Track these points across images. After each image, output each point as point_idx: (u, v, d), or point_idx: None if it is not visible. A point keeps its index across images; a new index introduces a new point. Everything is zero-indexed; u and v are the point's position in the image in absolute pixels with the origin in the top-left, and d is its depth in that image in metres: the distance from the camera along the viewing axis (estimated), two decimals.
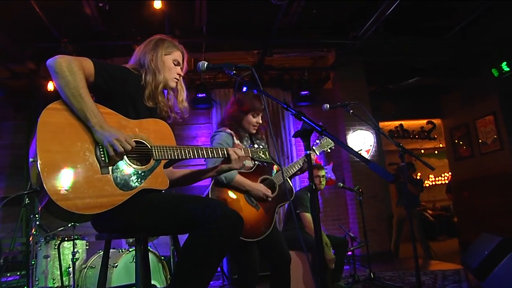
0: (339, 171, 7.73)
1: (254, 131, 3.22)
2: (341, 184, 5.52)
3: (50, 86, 6.66)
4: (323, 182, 5.05)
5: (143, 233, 1.99)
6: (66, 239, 4.75)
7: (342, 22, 6.73)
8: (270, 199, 3.05)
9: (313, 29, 6.89)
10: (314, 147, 3.47)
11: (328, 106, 3.74)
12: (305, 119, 1.94)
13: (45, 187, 1.63)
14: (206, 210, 1.82)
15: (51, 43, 6.08)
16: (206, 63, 2.37)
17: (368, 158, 7.40)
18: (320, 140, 3.50)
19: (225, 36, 6.65)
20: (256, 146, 2.62)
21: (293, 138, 7.58)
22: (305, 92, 7.58)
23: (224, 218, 1.82)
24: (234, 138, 3.11)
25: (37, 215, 4.53)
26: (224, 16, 6.23)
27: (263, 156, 2.57)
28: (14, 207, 5.38)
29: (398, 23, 6.46)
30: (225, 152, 2.29)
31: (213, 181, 2.98)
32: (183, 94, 2.37)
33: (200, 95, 7.28)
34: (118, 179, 1.86)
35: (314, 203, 1.90)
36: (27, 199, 4.62)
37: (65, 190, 1.67)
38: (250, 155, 2.46)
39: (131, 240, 4.74)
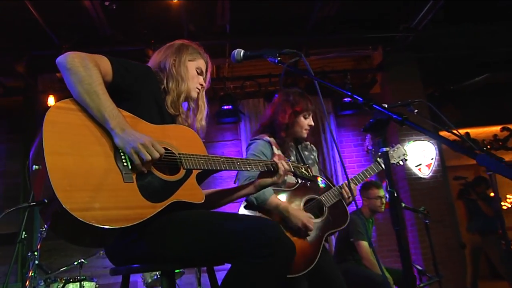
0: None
1: (306, 135, 3.18)
2: (403, 205, 5.28)
3: (51, 101, 6.52)
4: (384, 204, 4.93)
5: (173, 262, 1.91)
6: (71, 280, 4.62)
7: (389, 13, 6.61)
8: (309, 233, 2.90)
9: (355, 23, 6.81)
10: (379, 159, 3.27)
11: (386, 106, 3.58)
12: (377, 107, 1.85)
13: (56, 195, 1.57)
14: (255, 232, 1.75)
15: (50, 50, 6.08)
16: (242, 51, 2.35)
17: (430, 175, 7.25)
18: (391, 149, 3.35)
19: (252, 36, 6.58)
20: (293, 158, 2.60)
21: (336, 154, 7.44)
22: (349, 99, 7.44)
23: (279, 242, 1.74)
24: (274, 147, 3.05)
25: (36, 253, 4.46)
26: (251, 12, 6.20)
27: (305, 172, 2.50)
28: (7, 245, 5.31)
29: (461, 8, 6.30)
30: (270, 165, 2.26)
31: (243, 203, 2.92)
32: (203, 112, 2.39)
33: (225, 107, 7.23)
34: (145, 188, 1.80)
35: (398, 215, 1.75)
36: (24, 233, 4.53)
37: (82, 198, 1.62)
38: (293, 170, 2.40)
39: (149, 279, 4.64)
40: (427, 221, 5.19)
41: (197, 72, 2.34)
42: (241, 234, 1.75)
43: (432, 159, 7.42)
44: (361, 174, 3.21)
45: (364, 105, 1.88)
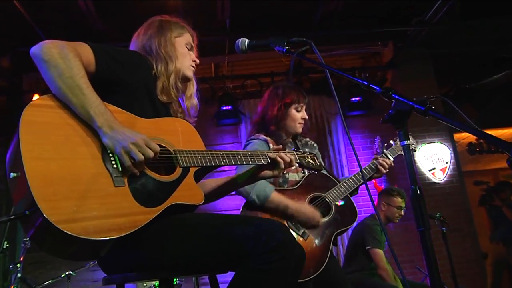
0: (407, 198, 7.39)
1: (301, 130, 3.20)
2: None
3: None
4: (401, 216, 4.93)
5: (173, 270, 1.88)
6: None
7: (400, 6, 6.55)
8: (316, 233, 2.91)
9: (363, 18, 6.78)
10: (386, 151, 3.36)
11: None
12: (397, 96, 1.82)
13: (39, 206, 1.50)
14: (262, 235, 1.70)
15: None
16: (247, 40, 2.37)
17: (445, 180, 7.16)
18: (396, 141, 3.38)
19: (253, 32, 6.52)
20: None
21: (344, 157, 7.42)
22: (357, 99, 7.51)
23: (287, 245, 1.71)
24: (270, 144, 3.07)
25: (18, 265, 4.37)
26: (252, 7, 6.16)
27: (312, 162, 2.48)
28: None
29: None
30: (267, 158, 2.22)
31: (244, 204, 2.94)
32: (192, 88, 2.35)
33: (225, 108, 7.21)
34: (138, 192, 1.75)
35: (422, 214, 1.74)
36: (5, 243, 4.46)
37: (68, 208, 1.55)
38: (298, 160, 2.38)
39: None
40: (444, 229, 5.11)
41: (187, 48, 2.28)
42: (247, 238, 1.71)
43: (447, 163, 7.36)
44: (367, 167, 3.25)
45: (382, 94, 1.84)
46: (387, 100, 1.82)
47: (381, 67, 7.88)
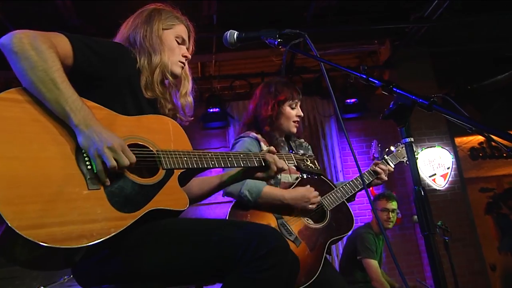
0: (406, 205, 7.52)
1: (295, 129, 3.19)
2: (416, 218, 5.20)
3: None
4: (393, 219, 4.89)
5: (155, 281, 1.81)
6: None
7: (398, 1, 6.56)
8: (318, 198, 2.94)
9: (358, 14, 6.78)
10: (386, 157, 3.35)
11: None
12: (398, 90, 1.76)
13: (0, 210, 1.45)
14: (252, 240, 1.67)
15: None
16: (236, 32, 2.34)
17: (446, 186, 7.15)
18: (397, 147, 3.37)
19: (242, 28, 6.48)
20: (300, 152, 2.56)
21: (338, 162, 7.42)
22: (352, 100, 7.55)
23: (280, 252, 1.69)
24: (262, 144, 3.07)
25: None
26: (241, 1, 6.13)
27: (311, 165, 2.47)
28: None
29: None
30: (261, 159, 2.19)
31: (233, 204, 2.91)
32: (187, 85, 2.32)
33: (212, 110, 7.23)
34: (115, 196, 1.70)
35: (426, 217, 1.68)
36: None
37: (34, 213, 1.50)
38: (296, 164, 2.37)
39: None
40: (446, 238, 5.11)
41: (177, 42, 2.24)
42: (236, 244, 1.68)
43: (448, 168, 7.39)
44: (366, 173, 3.24)
45: (382, 88, 1.80)
46: (387, 94, 1.78)
47: (377, 66, 7.90)
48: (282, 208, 2.89)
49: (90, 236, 1.56)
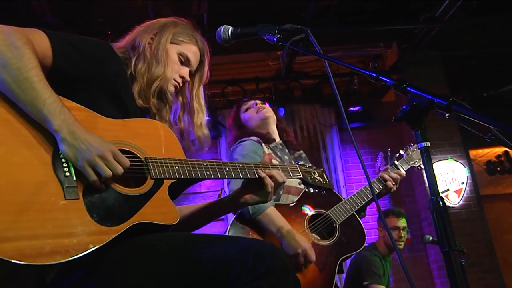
0: (416, 224, 7.55)
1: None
2: (430, 238, 5.15)
3: None
4: (404, 238, 4.94)
5: None
6: None
7: (406, 1, 6.62)
8: (311, 262, 2.85)
9: (363, 14, 6.84)
10: (397, 162, 3.36)
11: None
12: (413, 89, 1.76)
13: None
14: (249, 258, 1.66)
15: None
16: (231, 28, 2.34)
17: (461, 203, 7.15)
18: (407, 150, 3.39)
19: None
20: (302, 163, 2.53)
21: (341, 177, 7.44)
22: (356, 108, 7.58)
23: (279, 271, 1.67)
24: (264, 147, 3.13)
25: None
26: (233, 1, 6.19)
27: (319, 179, 2.44)
28: None
29: None
30: (255, 172, 2.17)
31: (236, 216, 2.95)
32: (202, 116, 2.34)
33: None
34: (95, 207, 1.68)
35: (446, 232, 1.64)
36: None
37: (1, 224, 1.47)
38: (302, 176, 2.35)
39: None
40: (463, 261, 5.07)
41: (180, 59, 2.24)
42: (230, 262, 1.66)
43: (462, 183, 7.40)
44: (375, 181, 3.27)
45: (395, 87, 1.79)
46: (400, 94, 1.77)
47: (383, 71, 7.86)
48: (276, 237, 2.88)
49: (65, 252, 1.52)
